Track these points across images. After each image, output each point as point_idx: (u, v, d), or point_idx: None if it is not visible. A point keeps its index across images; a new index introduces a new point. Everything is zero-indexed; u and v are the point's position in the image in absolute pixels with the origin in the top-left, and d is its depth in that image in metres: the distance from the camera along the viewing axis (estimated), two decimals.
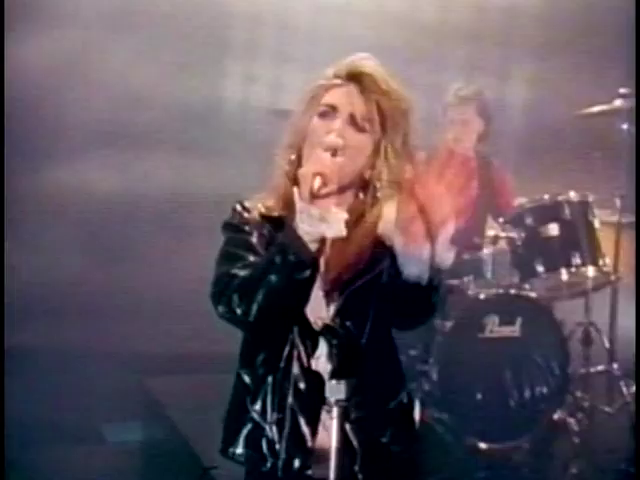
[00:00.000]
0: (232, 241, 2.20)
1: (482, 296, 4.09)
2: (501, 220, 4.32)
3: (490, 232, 4.28)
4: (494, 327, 4.08)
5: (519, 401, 4.04)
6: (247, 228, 2.18)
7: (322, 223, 2.00)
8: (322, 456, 2.07)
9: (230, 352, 2.70)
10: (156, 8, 5.62)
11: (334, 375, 2.00)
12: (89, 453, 4.75)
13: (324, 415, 2.10)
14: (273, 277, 2.02)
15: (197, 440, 4.32)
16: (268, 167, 2.38)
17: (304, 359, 2.12)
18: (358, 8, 5.84)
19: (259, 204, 2.20)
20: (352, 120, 2.10)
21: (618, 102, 4.38)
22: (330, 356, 2.09)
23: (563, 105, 4.97)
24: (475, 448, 4.02)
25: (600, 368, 4.47)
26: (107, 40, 5.61)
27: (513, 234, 4.27)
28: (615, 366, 4.44)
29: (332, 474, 1.98)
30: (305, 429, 2.13)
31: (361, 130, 2.10)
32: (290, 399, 2.14)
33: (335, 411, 1.98)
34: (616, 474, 4.08)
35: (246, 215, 2.20)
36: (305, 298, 2.06)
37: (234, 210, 2.22)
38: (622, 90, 4.36)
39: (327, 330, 2.11)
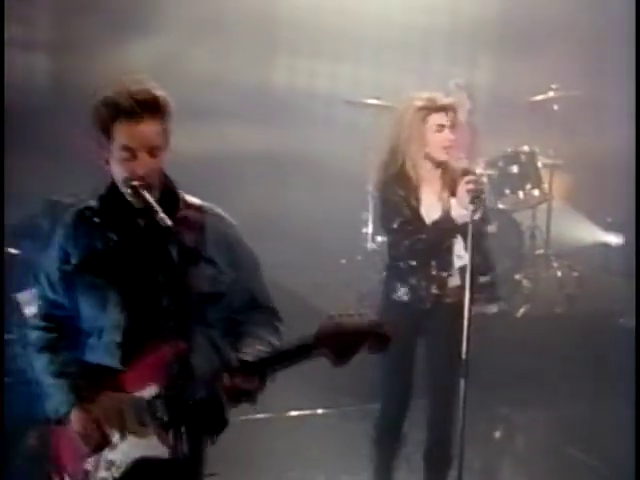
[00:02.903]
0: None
1: None
2: (483, 164, 6.99)
3: (478, 171, 6.89)
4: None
5: (497, 269, 6.68)
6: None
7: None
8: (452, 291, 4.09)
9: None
10: (224, 18, 7.71)
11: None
12: None
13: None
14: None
15: None
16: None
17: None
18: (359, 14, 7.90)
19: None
20: (450, 130, 4.09)
21: (551, 93, 7.06)
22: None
23: (513, 91, 7.58)
24: None
25: (540, 252, 7.15)
26: (194, 43, 7.68)
27: (491, 172, 6.87)
28: (549, 251, 7.16)
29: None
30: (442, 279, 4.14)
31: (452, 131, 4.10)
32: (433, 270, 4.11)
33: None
34: (548, 313, 6.73)
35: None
36: None
37: None
38: (553, 86, 7.06)
39: None
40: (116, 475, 2.76)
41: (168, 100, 2.83)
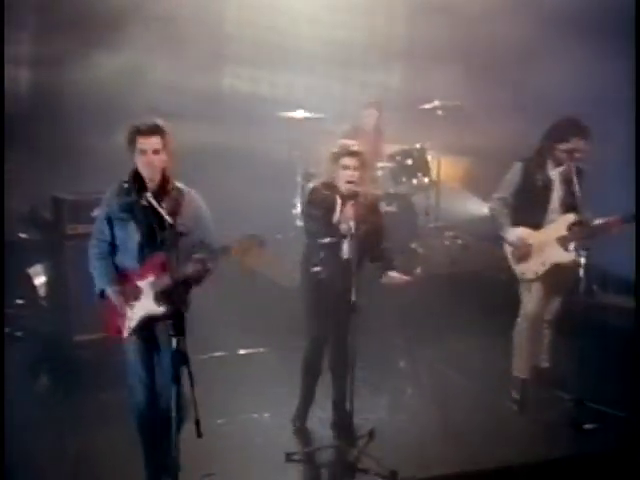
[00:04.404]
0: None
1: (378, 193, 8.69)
2: (385, 159, 8.79)
3: (380, 164, 8.69)
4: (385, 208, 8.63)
5: (397, 240, 8.58)
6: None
7: None
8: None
9: None
10: (179, 34, 9.05)
11: None
12: None
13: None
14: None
15: None
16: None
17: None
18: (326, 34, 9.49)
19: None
20: (354, 169, 5.50)
21: (436, 102, 8.84)
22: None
23: (409, 99, 9.29)
24: None
25: (431, 225, 9.03)
26: (154, 55, 8.91)
27: (391, 164, 8.69)
28: (439, 224, 9.04)
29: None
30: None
31: (358, 170, 5.52)
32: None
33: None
34: (437, 273, 8.40)
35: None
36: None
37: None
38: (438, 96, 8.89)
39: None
40: (132, 325, 5.03)
41: (165, 127, 4.98)
